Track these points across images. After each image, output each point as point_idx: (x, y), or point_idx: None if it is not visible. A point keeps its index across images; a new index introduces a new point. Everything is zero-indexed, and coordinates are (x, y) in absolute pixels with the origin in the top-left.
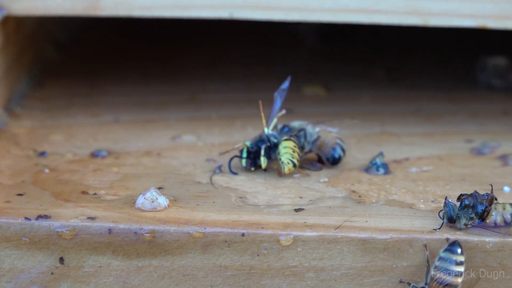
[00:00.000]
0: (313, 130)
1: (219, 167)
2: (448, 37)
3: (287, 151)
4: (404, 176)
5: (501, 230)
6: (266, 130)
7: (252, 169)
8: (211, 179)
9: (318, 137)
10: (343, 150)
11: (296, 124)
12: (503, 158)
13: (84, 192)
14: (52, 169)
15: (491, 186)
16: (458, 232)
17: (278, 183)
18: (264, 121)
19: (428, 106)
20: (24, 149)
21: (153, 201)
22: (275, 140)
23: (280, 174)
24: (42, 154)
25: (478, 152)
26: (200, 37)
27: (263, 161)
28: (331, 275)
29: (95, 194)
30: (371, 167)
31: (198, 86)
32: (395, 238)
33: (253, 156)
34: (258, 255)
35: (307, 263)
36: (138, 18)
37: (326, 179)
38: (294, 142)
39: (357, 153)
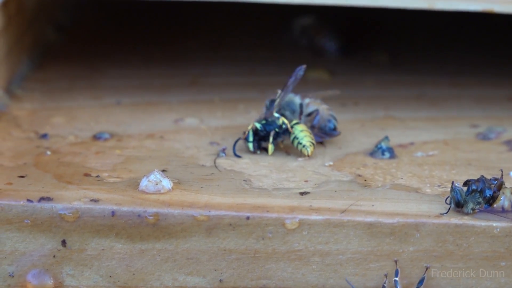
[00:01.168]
0: (303, 101)
1: (223, 150)
2: (451, 20)
3: (305, 134)
4: (410, 161)
5: (508, 215)
6: (276, 114)
7: (258, 152)
8: (215, 162)
9: (317, 110)
10: (336, 120)
11: (278, 99)
12: (509, 143)
13: (86, 175)
14: (54, 151)
15: (502, 171)
16: (466, 217)
17: (283, 166)
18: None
19: (432, 90)
20: (25, 131)
21: (157, 184)
22: (284, 126)
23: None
24: (44, 136)
25: (483, 137)
26: (203, 20)
27: (271, 148)
28: (336, 259)
29: (97, 176)
30: (376, 151)
31: (200, 69)
32: (402, 222)
33: (258, 139)
34: (263, 238)
35: (313, 247)
36: (139, 0)
37: (331, 163)
38: (303, 124)
39: (362, 137)
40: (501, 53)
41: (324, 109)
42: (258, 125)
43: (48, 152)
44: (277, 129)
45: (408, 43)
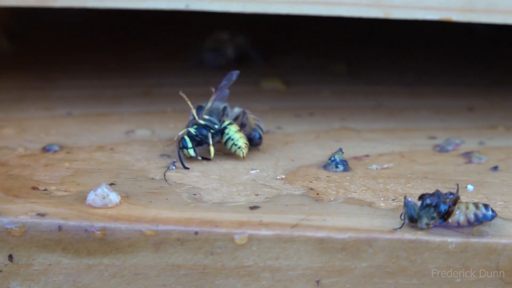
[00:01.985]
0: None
1: (174, 163)
2: (407, 28)
3: (240, 135)
4: (364, 173)
5: (464, 230)
6: (206, 116)
7: (199, 158)
8: (164, 175)
9: (243, 111)
10: (261, 130)
11: (209, 104)
12: (467, 155)
13: (34, 188)
14: (2, 164)
15: (457, 185)
16: (420, 232)
17: (234, 179)
18: (194, 110)
19: (389, 101)
20: None
21: (104, 198)
22: (217, 126)
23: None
24: None
25: (441, 149)
26: (157, 29)
27: (212, 151)
28: (287, 275)
29: (45, 190)
30: (329, 164)
31: (153, 79)
32: (354, 237)
33: (195, 145)
34: (212, 254)
35: (263, 262)
36: (92, 9)
37: (283, 176)
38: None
39: (316, 149)
40: (459, 62)
41: (250, 119)
42: (192, 130)
43: None
44: (212, 131)
45: (366, 52)
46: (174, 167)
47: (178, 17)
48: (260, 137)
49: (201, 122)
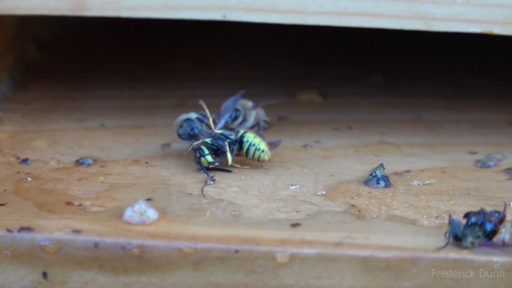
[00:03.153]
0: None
1: (211, 178)
2: (446, 40)
3: (260, 140)
4: (406, 190)
5: (509, 249)
6: (219, 131)
7: (217, 164)
8: (202, 191)
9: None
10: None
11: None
12: (509, 171)
13: (68, 203)
14: (35, 177)
15: (505, 204)
16: (464, 251)
17: (273, 195)
18: (211, 120)
19: (427, 114)
20: (5, 155)
21: (142, 214)
22: (232, 137)
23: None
24: (25, 161)
25: (482, 164)
26: (190, 38)
27: (230, 157)
28: None
29: (80, 205)
30: (371, 180)
31: (187, 90)
32: (398, 256)
33: (212, 153)
34: (252, 273)
35: (305, 282)
36: (123, 18)
37: (323, 192)
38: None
39: (356, 164)
40: (499, 75)
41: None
42: (208, 140)
43: (29, 179)
44: (228, 140)
45: (401, 63)
46: (211, 182)
47: (212, 26)
48: None
49: (217, 132)
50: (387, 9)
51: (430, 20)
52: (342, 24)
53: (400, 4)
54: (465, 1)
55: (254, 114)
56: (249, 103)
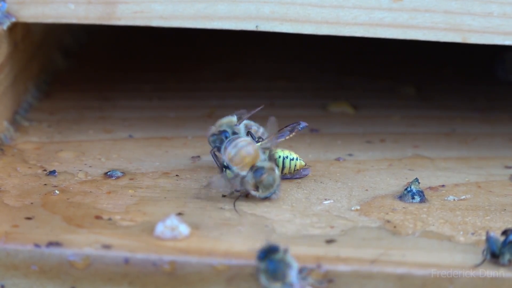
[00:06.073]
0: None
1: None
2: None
3: (289, 152)
4: (441, 205)
5: None
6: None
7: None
8: (234, 205)
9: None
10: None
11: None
12: None
13: (97, 217)
14: (62, 190)
15: None
16: (502, 269)
17: (307, 210)
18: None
19: (461, 127)
20: (32, 167)
21: (173, 229)
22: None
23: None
24: (52, 173)
25: None
26: (219, 47)
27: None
28: None
29: (109, 219)
30: (405, 195)
31: (216, 101)
32: (435, 274)
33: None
34: None
35: None
36: (152, 27)
37: (358, 207)
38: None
39: (390, 178)
40: None
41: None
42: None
43: (57, 191)
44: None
45: (434, 75)
46: (243, 196)
47: (242, 35)
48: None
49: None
50: (423, 21)
51: (466, 32)
52: (377, 35)
53: (436, 15)
54: (502, 13)
55: (243, 127)
56: (233, 119)
